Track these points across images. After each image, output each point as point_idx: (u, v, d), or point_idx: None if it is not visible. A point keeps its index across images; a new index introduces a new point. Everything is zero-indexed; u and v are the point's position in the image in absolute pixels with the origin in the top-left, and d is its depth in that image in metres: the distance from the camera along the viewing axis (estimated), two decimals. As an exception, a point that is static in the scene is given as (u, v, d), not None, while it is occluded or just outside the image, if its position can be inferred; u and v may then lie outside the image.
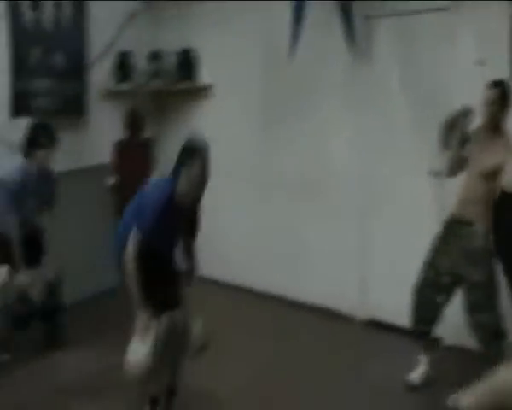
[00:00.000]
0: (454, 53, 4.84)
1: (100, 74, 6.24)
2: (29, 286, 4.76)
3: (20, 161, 4.80)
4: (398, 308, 5.07)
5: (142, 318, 3.66)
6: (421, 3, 4.95)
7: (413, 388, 4.39)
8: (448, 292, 4.30)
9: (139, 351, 3.65)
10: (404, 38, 5.19)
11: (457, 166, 4.24)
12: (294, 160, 5.90)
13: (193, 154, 3.64)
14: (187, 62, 6.37)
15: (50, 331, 5.00)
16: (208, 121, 6.24)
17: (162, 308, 3.74)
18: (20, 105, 5.60)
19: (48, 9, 5.79)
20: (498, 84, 4.11)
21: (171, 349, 3.86)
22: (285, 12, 5.20)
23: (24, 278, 4.72)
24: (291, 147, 5.92)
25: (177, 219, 3.79)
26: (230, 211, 6.38)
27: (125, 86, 6.32)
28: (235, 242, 6.39)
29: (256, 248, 6.27)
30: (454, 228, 4.25)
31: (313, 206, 5.81)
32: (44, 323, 4.99)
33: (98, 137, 6.03)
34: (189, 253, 4.05)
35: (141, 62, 6.38)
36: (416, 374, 4.45)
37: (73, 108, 6.02)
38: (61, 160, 5.18)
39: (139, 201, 3.78)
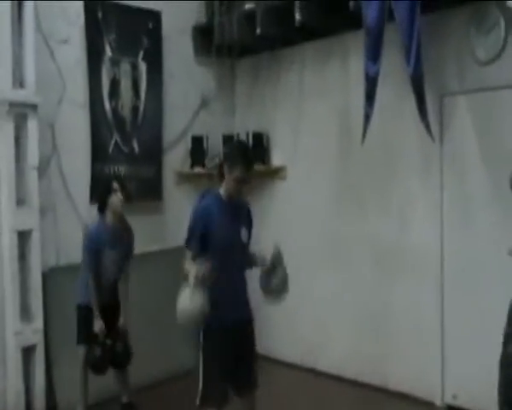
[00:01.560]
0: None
1: (175, 158, 6.41)
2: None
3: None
4: (480, 393, 4.92)
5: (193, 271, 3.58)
6: (495, 79, 4.91)
7: None
8: None
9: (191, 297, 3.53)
10: (481, 114, 5.12)
11: None
12: (373, 234, 5.82)
13: (235, 149, 3.94)
14: (260, 145, 6.47)
15: None
16: (282, 203, 6.31)
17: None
18: (98, 189, 5.76)
19: (126, 98, 6.06)
20: None
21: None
22: (359, 95, 5.26)
23: (101, 325, 4.91)
24: (367, 228, 5.86)
25: (231, 225, 3.81)
26: (306, 288, 6.27)
27: (198, 169, 6.45)
28: (310, 319, 6.28)
29: (332, 329, 6.14)
30: None
31: (391, 283, 5.70)
32: (113, 367, 5.07)
33: (174, 219, 6.14)
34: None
35: (215, 146, 6.50)
36: None
37: (150, 192, 6.18)
38: (138, 243, 5.31)
39: None
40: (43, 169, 5.41)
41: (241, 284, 3.92)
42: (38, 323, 5.24)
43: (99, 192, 5.11)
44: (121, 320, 5.07)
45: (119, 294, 5.10)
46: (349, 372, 5.92)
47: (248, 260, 3.96)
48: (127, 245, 5.09)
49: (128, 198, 5.00)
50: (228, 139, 6.48)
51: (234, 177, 3.74)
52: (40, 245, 5.26)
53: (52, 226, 5.50)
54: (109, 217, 4.95)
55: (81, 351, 4.96)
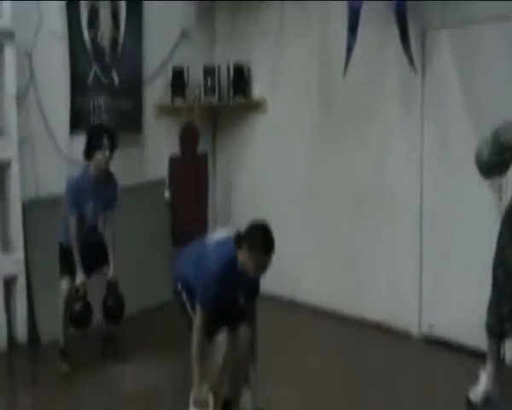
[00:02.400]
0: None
1: (155, 91, 6.35)
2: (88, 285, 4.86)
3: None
4: (456, 325, 5.03)
5: (198, 394, 3.73)
6: (481, 11, 4.85)
7: (474, 406, 4.24)
8: None
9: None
10: (463, 48, 5.09)
11: None
12: (349, 174, 5.85)
13: (257, 240, 3.64)
14: (241, 78, 6.42)
15: (108, 342, 5.08)
16: (262, 136, 6.30)
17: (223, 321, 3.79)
18: (78, 122, 5.75)
19: (105, 29, 5.95)
20: None
21: (233, 363, 3.90)
22: (340, 29, 5.23)
23: (83, 278, 4.81)
24: (346, 161, 5.87)
25: (238, 282, 3.80)
26: (284, 225, 6.27)
27: (179, 102, 6.38)
28: (288, 256, 6.29)
29: (311, 262, 6.22)
30: None
31: (369, 220, 5.75)
32: (106, 321, 5.05)
33: (154, 152, 6.13)
34: (250, 315, 4.00)
35: (195, 78, 6.44)
36: (477, 391, 4.33)
37: (130, 124, 6.13)
38: (118, 175, 5.24)
39: (200, 255, 3.84)
40: (20, 100, 5.35)
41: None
42: (19, 254, 5.28)
43: (87, 143, 4.88)
44: (110, 272, 4.98)
45: (107, 243, 5.01)
46: (327, 305, 6.01)
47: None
48: (111, 196, 4.98)
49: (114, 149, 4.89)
50: (209, 71, 6.42)
51: (254, 262, 3.64)
52: (19, 176, 5.25)
53: (31, 158, 5.46)
54: (93, 169, 4.83)
55: (64, 285, 4.84)
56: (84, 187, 4.80)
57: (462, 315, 4.52)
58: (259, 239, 3.65)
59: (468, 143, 4.95)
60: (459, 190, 5.09)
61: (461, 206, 5.06)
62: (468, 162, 4.66)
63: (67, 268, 4.87)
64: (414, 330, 5.51)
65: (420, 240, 5.44)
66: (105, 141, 4.72)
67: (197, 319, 3.73)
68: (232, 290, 3.81)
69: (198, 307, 3.73)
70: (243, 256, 3.66)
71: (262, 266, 3.66)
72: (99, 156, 4.74)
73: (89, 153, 4.82)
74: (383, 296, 5.67)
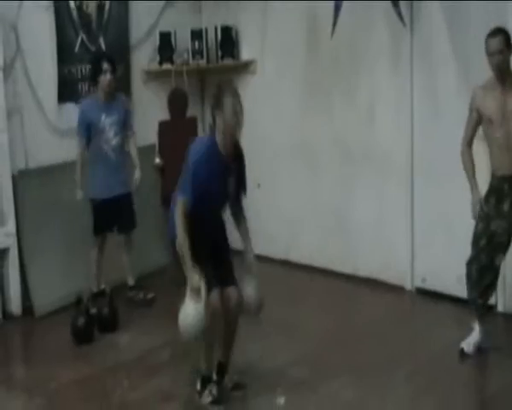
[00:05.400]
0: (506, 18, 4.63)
1: (143, 56, 6.31)
2: None
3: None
4: (448, 276, 5.07)
5: (192, 281, 3.64)
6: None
7: (466, 356, 4.32)
8: (504, 252, 4.28)
9: (192, 312, 3.63)
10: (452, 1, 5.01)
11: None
12: (341, 130, 5.82)
13: (222, 95, 3.66)
14: (229, 40, 6.37)
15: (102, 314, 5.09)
16: (252, 98, 6.06)
17: (214, 281, 3.76)
18: (66, 90, 5.73)
19: (91, -6, 5.89)
20: (499, 32, 4.06)
21: (223, 325, 3.90)
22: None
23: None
24: (337, 118, 5.84)
25: (223, 177, 3.78)
26: (276, 186, 6.35)
27: (167, 66, 6.32)
28: (280, 216, 6.35)
29: (303, 221, 6.23)
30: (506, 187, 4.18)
31: (360, 175, 5.76)
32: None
33: (143, 117, 6.04)
34: (240, 214, 4.02)
35: (183, 42, 6.38)
36: (470, 342, 4.35)
37: (118, 90, 5.95)
38: None
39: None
40: (7, 71, 5.31)
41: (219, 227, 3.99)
42: (11, 226, 5.28)
43: (91, 70, 5.40)
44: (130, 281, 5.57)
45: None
46: (320, 262, 6.05)
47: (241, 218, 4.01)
48: (123, 112, 5.37)
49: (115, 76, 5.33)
50: (196, 35, 6.38)
51: (226, 127, 3.65)
52: (8, 148, 5.24)
53: (19, 129, 5.43)
54: (100, 95, 5.26)
55: (97, 240, 5.34)
56: (95, 106, 5.23)
57: (454, 267, 4.51)
58: (221, 96, 3.67)
59: (457, 95, 4.98)
60: (450, 142, 4.98)
61: (452, 158, 4.98)
62: (459, 114, 4.66)
63: (99, 226, 5.31)
64: (407, 283, 5.54)
65: (411, 194, 5.45)
66: (106, 65, 5.19)
67: (177, 206, 3.71)
68: (218, 179, 3.76)
69: (178, 196, 3.72)
70: (218, 125, 3.67)
71: (235, 120, 3.64)
72: (102, 80, 5.19)
73: (94, 79, 5.30)
74: (376, 252, 5.70)
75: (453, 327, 4.76)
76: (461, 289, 4.59)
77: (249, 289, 3.90)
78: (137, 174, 5.39)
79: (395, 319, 5.07)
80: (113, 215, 5.29)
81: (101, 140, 5.20)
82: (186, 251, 3.67)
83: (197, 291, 3.62)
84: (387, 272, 5.63)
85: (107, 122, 5.20)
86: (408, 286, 5.55)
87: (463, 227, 4.52)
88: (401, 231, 5.52)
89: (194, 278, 3.64)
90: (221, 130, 3.68)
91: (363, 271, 5.79)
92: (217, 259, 3.91)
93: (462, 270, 4.38)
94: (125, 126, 5.35)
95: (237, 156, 3.87)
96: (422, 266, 5.44)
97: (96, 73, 5.24)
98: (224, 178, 3.79)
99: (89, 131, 5.19)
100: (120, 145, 5.31)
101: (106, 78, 5.17)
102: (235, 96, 3.70)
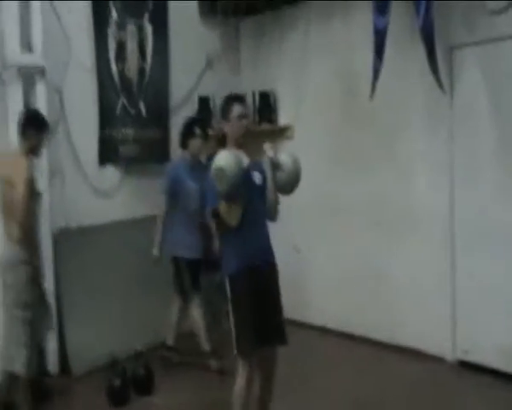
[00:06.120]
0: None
1: (181, 119, 6.16)
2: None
3: None
4: (492, 348, 4.91)
5: None
6: (506, 29, 4.80)
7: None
8: None
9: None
10: (492, 65, 5.03)
11: None
12: (378, 191, 5.78)
13: (230, 101, 3.95)
14: (266, 105, 6.45)
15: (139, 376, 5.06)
16: None
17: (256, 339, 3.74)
18: (106, 154, 5.85)
19: (132, 60, 6.04)
20: None
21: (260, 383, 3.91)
22: (364, 51, 5.24)
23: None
24: (374, 178, 5.81)
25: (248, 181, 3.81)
26: (312, 249, 6.33)
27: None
28: (317, 280, 6.29)
29: (338, 287, 6.14)
30: None
31: (397, 240, 5.67)
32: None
33: None
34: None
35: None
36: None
37: (157, 154, 6.19)
38: (146, 206, 5.52)
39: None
40: (51, 134, 5.26)
41: (264, 230, 3.95)
42: (49, 285, 5.24)
43: (183, 133, 5.47)
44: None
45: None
46: (358, 330, 5.94)
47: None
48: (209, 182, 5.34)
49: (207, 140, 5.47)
50: None
51: (233, 116, 3.86)
52: (49, 207, 5.29)
53: (60, 190, 5.52)
54: (188, 158, 5.40)
55: (175, 299, 5.42)
56: (182, 168, 5.33)
57: (498, 340, 4.37)
58: (226, 99, 4.01)
59: (498, 159, 4.95)
60: (492, 206, 4.98)
61: (494, 223, 4.94)
62: (500, 178, 4.61)
63: (179, 285, 5.38)
64: (447, 354, 5.37)
65: (452, 259, 5.32)
66: (198, 131, 5.34)
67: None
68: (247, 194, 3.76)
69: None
70: (229, 131, 3.90)
71: (241, 113, 3.90)
72: (192, 145, 5.32)
73: (184, 142, 5.40)
74: (414, 319, 5.53)
75: (496, 401, 4.57)
76: (505, 362, 4.45)
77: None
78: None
79: (432, 392, 4.87)
80: (193, 276, 5.34)
81: (187, 201, 5.27)
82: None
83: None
84: (427, 341, 5.45)
85: (193, 185, 5.24)
86: (448, 357, 5.35)
87: (509, 297, 4.41)
88: (442, 297, 5.36)
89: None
90: (231, 130, 3.90)
91: (401, 339, 5.63)
92: (264, 300, 3.80)
93: (508, 342, 4.24)
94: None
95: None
96: (465, 337, 5.26)
97: (186, 136, 5.36)
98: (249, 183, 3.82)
99: (175, 191, 5.28)
100: None
101: (197, 142, 5.30)
102: (242, 101, 3.99)
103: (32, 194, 4.35)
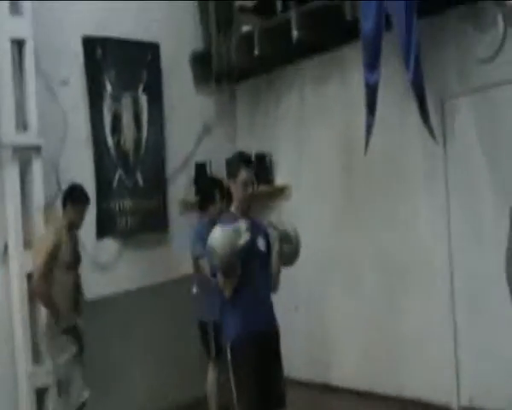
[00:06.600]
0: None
1: (179, 187, 6.40)
2: None
3: None
4: (497, 395, 4.81)
5: None
6: (500, 74, 4.79)
7: None
8: None
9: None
10: (484, 114, 5.02)
11: None
12: (376, 250, 5.75)
13: (239, 163, 4.00)
14: (263, 166, 6.42)
15: None
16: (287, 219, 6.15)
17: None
18: (104, 225, 5.81)
19: (128, 132, 6.07)
20: None
21: None
22: (360, 108, 5.21)
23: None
24: (372, 238, 5.77)
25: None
26: (314, 305, 6.23)
27: (203, 196, 6.38)
28: (319, 335, 6.19)
29: (342, 343, 6.05)
30: None
31: (400, 294, 5.59)
32: None
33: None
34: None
35: (218, 171, 6.39)
36: None
37: (155, 223, 6.15)
38: (144, 276, 5.46)
39: None
40: (48, 209, 5.35)
41: (266, 296, 3.96)
42: (49, 364, 5.10)
43: (201, 197, 5.56)
44: None
45: None
46: (362, 384, 5.82)
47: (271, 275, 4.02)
48: None
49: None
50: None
51: (240, 181, 3.90)
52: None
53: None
54: (206, 221, 5.25)
55: (210, 367, 5.24)
56: (205, 232, 5.00)
57: (502, 384, 4.24)
58: (234, 161, 4.10)
59: (496, 214, 4.86)
60: (490, 258, 4.84)
61: (494, 276, 4.79)
62: (498, 231, 4.50)
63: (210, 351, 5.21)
64: (453, 403, 5.24)
65: (452, 311, 5.25)
66: (217, 196, 5.30)
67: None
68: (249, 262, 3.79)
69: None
70: (235, 194, 3.97)
71: (247, 179, 3.93)
72: (212, 209, 5.27)
73: (202, 205, 5.44)
74: (419, 371, 5.44)
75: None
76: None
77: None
78: None
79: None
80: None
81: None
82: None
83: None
84: (433, 392, 5.33)
85: None
86: (454, 406, 5.23)
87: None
88: (446, 346, 5.25)
89: None
90: (237, 192, 3.94)
91: (409, 391, 5.50)
92: (264, 365, 3.82)
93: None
94: None
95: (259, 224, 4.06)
96: (469, 384, 5.16)
97: (207, 200, 5.36)
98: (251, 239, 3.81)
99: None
100: None
101: (217, 206, 5.26)
102: (249, 165, 4.01)
103: (54, 264, 4.68)
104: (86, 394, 4.81)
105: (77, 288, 4.97)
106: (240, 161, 4.02)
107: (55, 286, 4.75)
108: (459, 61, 5.09)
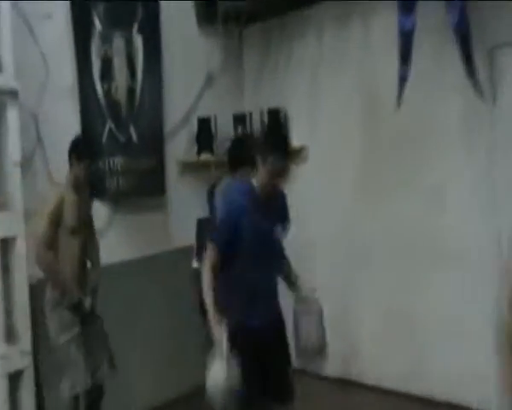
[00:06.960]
0: None
1: (178, 146, 5.93)
2: None
3: None
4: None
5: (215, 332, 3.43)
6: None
7: None
8: None
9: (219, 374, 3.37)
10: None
11: None
12: (404, 224, 5.27)
13: (273, 149, 3.51)
14: (277, 124, 5.95)
15: None
16: (303, 186, 5.77)
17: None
18: (92, 187, 5.10)
19: (120, 79, 5.51)
20: None
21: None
22: (386, 58, 4.96)
23: None
24: (400, 208, 5.29)
25: (265, 213, 3.56)
26: (329, 291, 5.50)
27: (207, 157, 5.93)
28: (336, 326, 5.47)
29: (363, 331, 5.64)
30: None
31: (430, 277, 5.10)
32: None
33: (179, 216, 5.67)
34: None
35: (224, 129, 6.00)
36: None
37: (151, 186, 5.68)
38: (140, 245, 5.12)
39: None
40: (26, 166, 4.81)
41: (270, 285, 3.72)
42: (26, 344, 4.64)
43: (229, 157, 4.96)
44: None
45: None
46: (385, 381, 5.45)
47: (280, 262, 3.86)
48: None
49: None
50: (239, 120, 5.97)
51: (268, 169, 3.48)
52: (26, 255, 4.66)
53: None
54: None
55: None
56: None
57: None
58: (268, 139, 3.76)
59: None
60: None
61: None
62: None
63: None
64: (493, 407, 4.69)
65: (497, 296, 4.57)
66: (247, 158, 4.71)
67: (207, 255, 3.52)
68: (261, 224, 3.56)
69: (209, 245, 3.53)
70: (260, 173, 3.53)
71: (278, 170, 3.50)
72: (242, 172, 4.74)
73: (231, 166, 4.90)
74: (451, 369, 4.97)
75: None
76: None
77: (309, 325, 3.87)
78: None
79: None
80: None
81: None
82: (210, 307, 3.46)
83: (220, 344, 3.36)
84: (467, 394, 4.87)
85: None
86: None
87: None
88: (483, 344, 4.69)
89: (217, 330, 3.38)
90: (262, 176, 3.53)
91: (439, 392, 5.06)
92: (266, 355, 3.61)
93: None
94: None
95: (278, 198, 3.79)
96: None
97: (235, 162, 4.88)
98: (266, 226, 3.61)
99: None
100: None
101: (245, 170, 4.74)
102: (284, 154, 3.55)
103: (59, 227, 4.42)
104: (80, 388, 4.38)
105: (83, 257, 4.62)
106: (274, 145, 3.55)
107: (60, 254, 4.47)
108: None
